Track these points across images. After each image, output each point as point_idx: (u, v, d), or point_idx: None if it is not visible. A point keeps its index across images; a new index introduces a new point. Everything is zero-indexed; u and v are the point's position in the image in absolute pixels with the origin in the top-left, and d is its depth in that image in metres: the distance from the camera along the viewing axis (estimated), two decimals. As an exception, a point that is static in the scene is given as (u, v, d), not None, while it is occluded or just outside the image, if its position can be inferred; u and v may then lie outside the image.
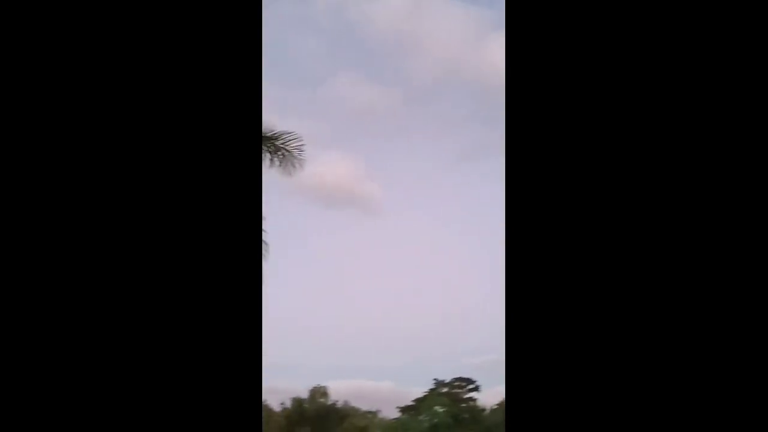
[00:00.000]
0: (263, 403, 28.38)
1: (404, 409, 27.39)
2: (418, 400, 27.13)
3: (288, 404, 28.66)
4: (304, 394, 28.88)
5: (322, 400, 29.06)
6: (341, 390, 29.81)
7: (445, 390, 27.22)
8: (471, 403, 27.01)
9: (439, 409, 26.18)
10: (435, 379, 27.49)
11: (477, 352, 37.16)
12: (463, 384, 27.25)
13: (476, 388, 27.07)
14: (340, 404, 29.36)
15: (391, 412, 28.19)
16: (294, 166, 9.24)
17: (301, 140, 9.34)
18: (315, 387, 29.04)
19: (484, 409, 26.70)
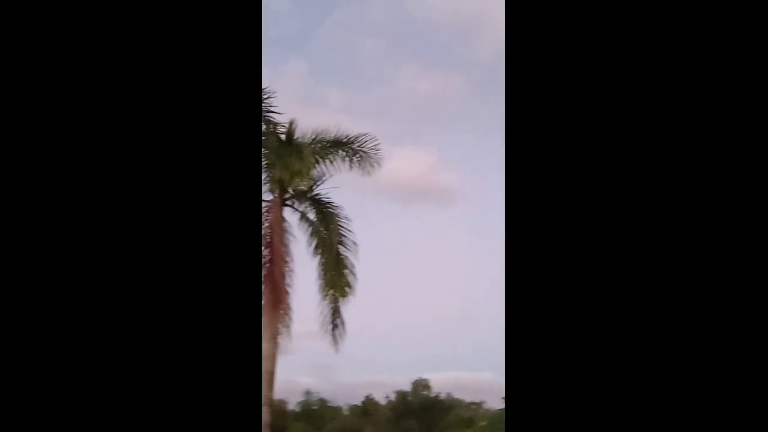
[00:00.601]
0: (369, 397, 29.28)
1: (509, 399, 26.88)
2: (523, 389, 26.46)
3: (392, 397, 29.28)
4: (407, 387, 29.36)
5: (424, 392, 29.38)
6: (442, 382, 29.94)
7: (550, 378, 26.32)
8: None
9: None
10: (538, 367, 26.68)
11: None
12: (569, 371, 26.18)
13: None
14: (443, 396, 29.49)
15: (495, 403, 27.87)
16: (372, 166, 9.50)
17: (376, 139, 9.59)
18: (417, 379, 29.42)
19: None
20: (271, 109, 9.43)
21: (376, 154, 9.51)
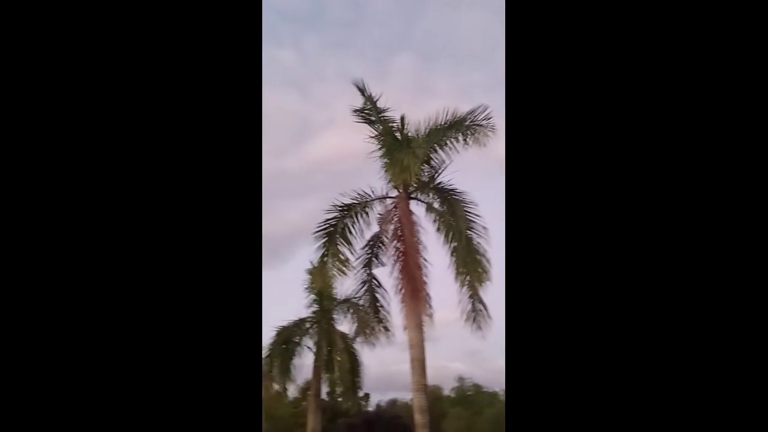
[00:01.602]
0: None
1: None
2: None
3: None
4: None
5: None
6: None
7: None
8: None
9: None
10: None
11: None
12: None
13: None
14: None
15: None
16: (487, 135, 9.18)
17: (486, 107, 9.29)
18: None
19: None
20: (382, 108, 9.70)
21: (488, 123, 9.22)
